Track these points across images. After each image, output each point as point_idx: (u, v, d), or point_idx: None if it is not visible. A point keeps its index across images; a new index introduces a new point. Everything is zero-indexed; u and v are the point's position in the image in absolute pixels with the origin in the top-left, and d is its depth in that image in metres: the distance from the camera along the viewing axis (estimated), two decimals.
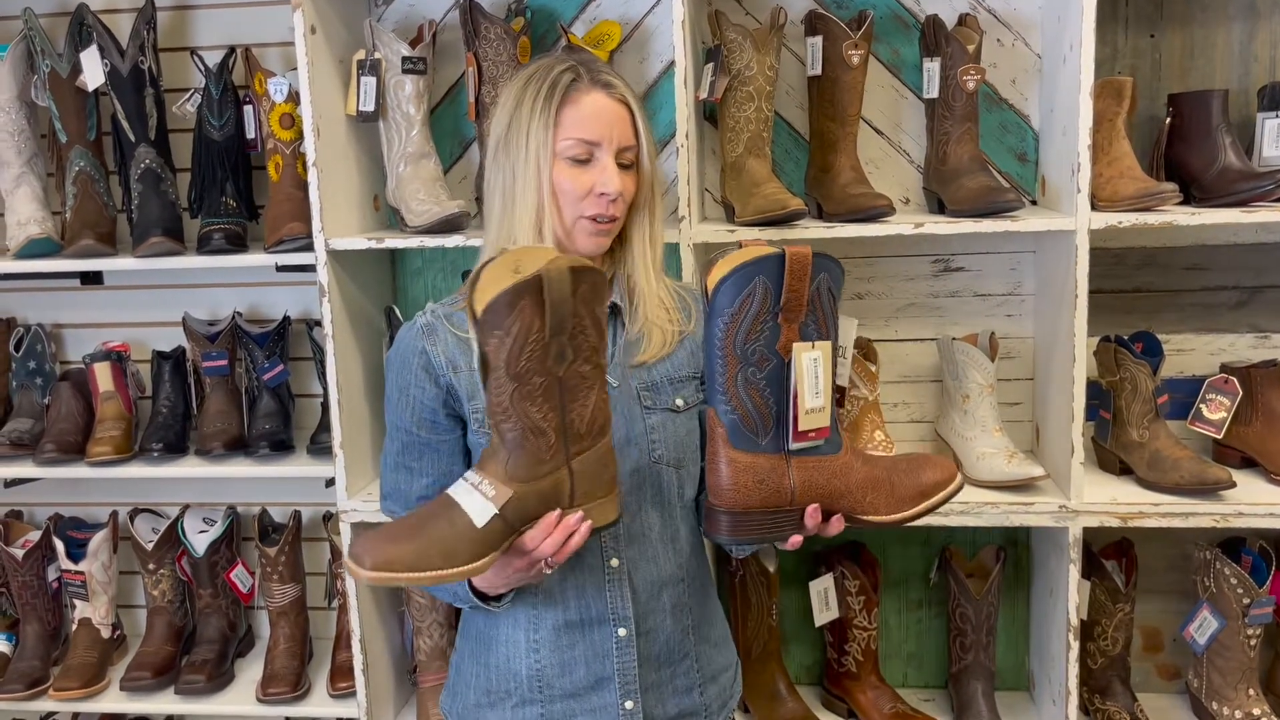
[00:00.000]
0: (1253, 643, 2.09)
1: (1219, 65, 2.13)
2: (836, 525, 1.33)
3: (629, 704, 1.46)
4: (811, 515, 1.30)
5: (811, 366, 1.27)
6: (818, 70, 2.07)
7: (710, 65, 2.04)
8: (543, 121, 1.40)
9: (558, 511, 1.28)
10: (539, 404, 1.24)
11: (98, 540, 2.44)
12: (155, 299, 2.50)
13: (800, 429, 1.28)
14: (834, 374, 1.31)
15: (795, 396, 1.27)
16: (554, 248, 1.39)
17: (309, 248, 2.10)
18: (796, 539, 1.32)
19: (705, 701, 1.53)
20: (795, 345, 1.27)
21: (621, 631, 1.46)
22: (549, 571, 1.33)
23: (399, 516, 1.50)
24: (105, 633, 2.46)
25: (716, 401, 1.29)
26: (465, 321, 1.47)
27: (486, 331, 1.20)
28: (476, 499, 1.25)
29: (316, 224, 2.07)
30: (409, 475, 1.50)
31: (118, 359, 2.40)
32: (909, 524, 1.36)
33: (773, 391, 1.28)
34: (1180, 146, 2.05)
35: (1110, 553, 2.21)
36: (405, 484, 1.50)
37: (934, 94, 2.07)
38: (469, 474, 1.28)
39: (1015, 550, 2.32)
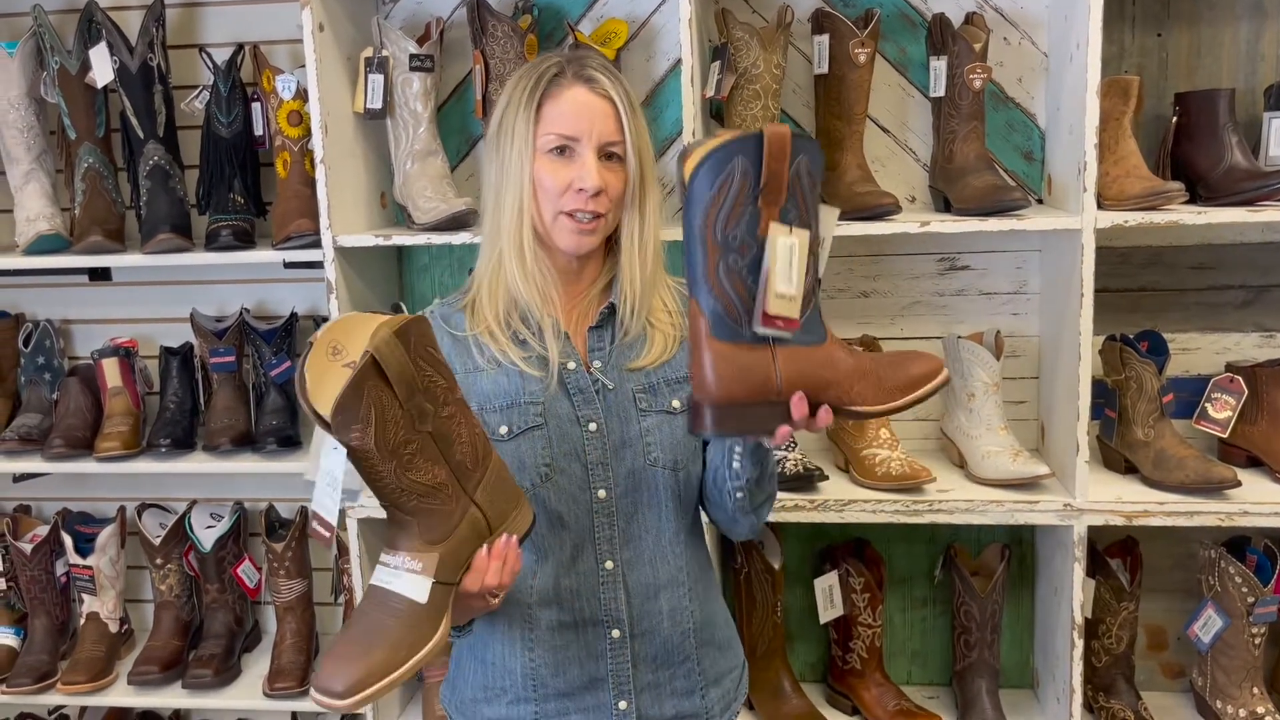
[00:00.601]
0: (1257, 641, 2.09)
1: (1226, 64, 2.13)
2: (824, 417, 1.26)
3: (622, 704, 1.46)
4: (798, 405, 1.23)
5: (786, 252, 1.21)
6: (824, 69, 2.08)
7: (717, 63, 2.05)
8: (525, 116, 1.40)
9: (484, 547, 1.27)
10: (422, 467, 1.21)
11: (106, 535, 2.45)
12: (163, 295, 2.51)
13: (769, 313, 1.21)
14: (814, 266, 1.25)
15: (766, 278, 1.21)
16: (373, 314, 1.27)
17: (317, 244, 2.11)
18: (784, 430, 1.26)
19: (707, 705, 1.52)
20: (772, 225, 1.21)
21: (615, 633, 1.45)
22: (495, 601, 1.31)
23: None
24: (113, 627, 2.47)
25: (698, 291, 1.22)
26: (464, 322, 1.48)
27: (345, 430, 1.16)
28: (407, 579, 1.22)
29: (324, 221, 2.08)
30: None
31: (126, 355, 2.41)
32: (896, 413, 1.30)
33: (755, 279, 1.22)
34: (1187, 145, 2.05)
35: (1115, 551, 2.21)
36: None
37: (940, 92, 2.07)
38: (385, 557, 1.24)
39: (1020, 548, 2.32)
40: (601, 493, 1.43)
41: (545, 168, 1.40)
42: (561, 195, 1.40)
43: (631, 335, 1.47)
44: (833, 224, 1.29)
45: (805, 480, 2.07)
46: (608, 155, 1.42)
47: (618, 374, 1.47)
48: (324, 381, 1.17)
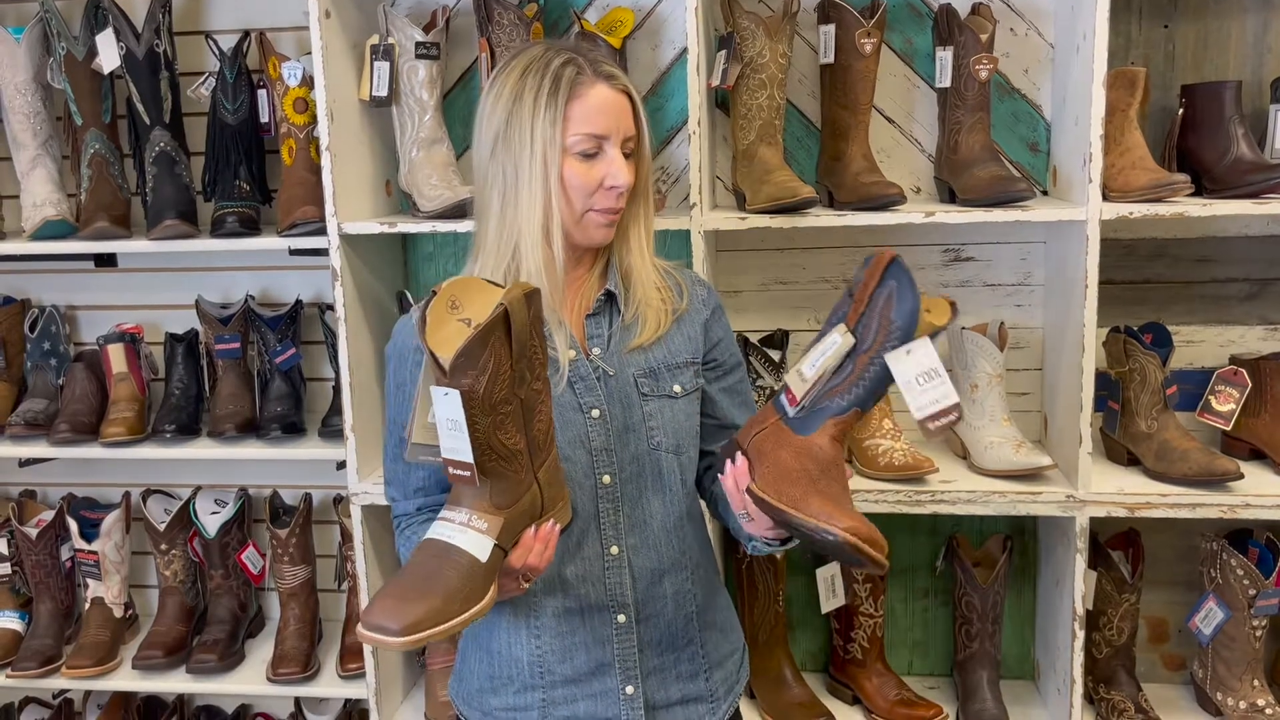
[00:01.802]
0: (1258, 634, 2.10)
1: (1233, 57, 2.13)
2: (736, 468, 1.33)
3: (629, 689, 1.47)
4: (738, 463, 1.32)
5: (828, 344, 1.30)
6: (830, 58, 2.07)
7: (723, 53, 2.05)
8: (549, 117, 1.38)
9: (533, 527, 1.29)
10: (509, 430, 1.25)
11: (110, 520, 2.46)
12: (168, 281, 2.51)
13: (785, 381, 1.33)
14: (856, 378, 1.29)
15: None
16: (492, 280, 1.35)
17: (322, 231, 2.11)
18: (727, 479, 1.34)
19: (711, 687, 1.54)
20: (834, 325, 1.30)
21: (621, 618, 1.46)
22: (527, 585, 1.33)
23: (400, 508, 1.51)
24: (117, 612, 2.49)
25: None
26: None
27: (460, 374, 1.20)
28: (472, 536, 1.24)
29: (330, 208, 2.08)
30: (406, 466, 1.47)
31: (131, 341, 2.42)
32: (777, 521, 1.29)
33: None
34: (1192, 137, 2.04)
35: (1117, 543, 2.21)
36: (403, 474, 1.49)
37: (946, 83, 2.07)
38: (449, 513, 1.27)
39: (1022, 539, 2.32)
40: (606, 478, 1.44)
41: (575, 168, 1.40)
42: (593, 194, 1.41)
43: (629, 317, 1.49)
44: (907, 370, 1.29)
45: None
46: (626, 149, 1.44)
47: (618, 359, 1.48)
48: (439, 330, 1.23)
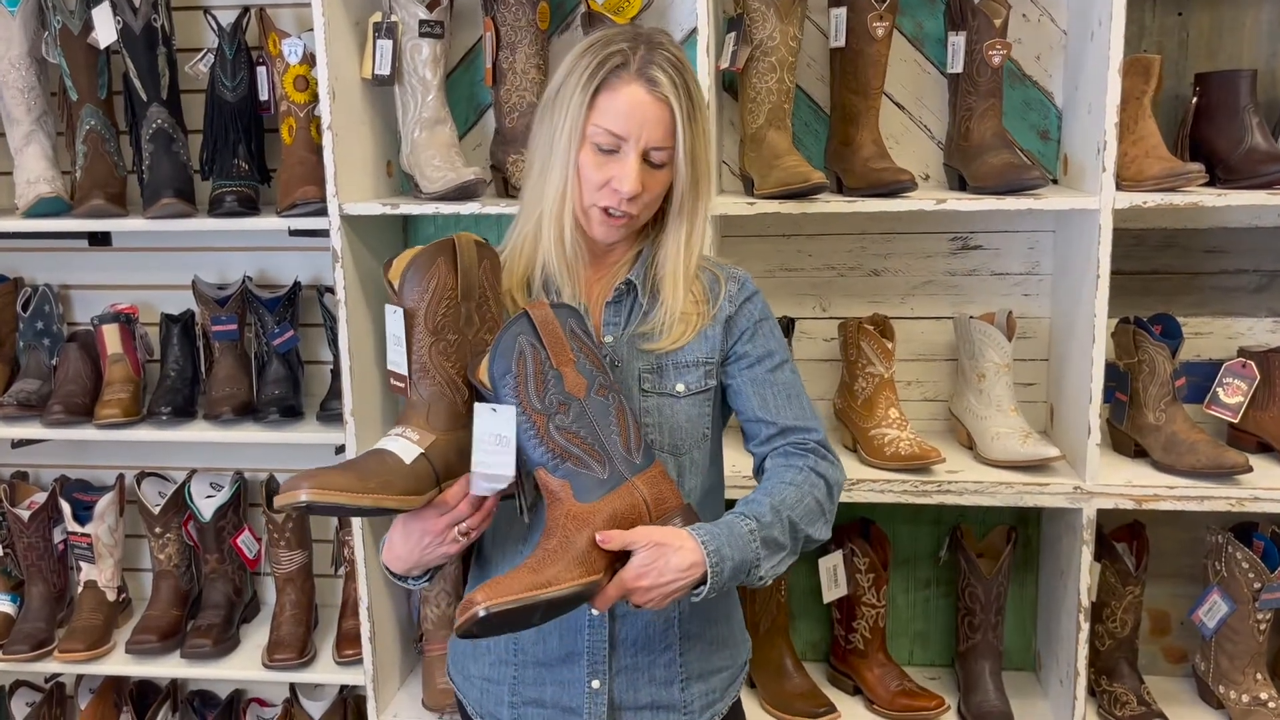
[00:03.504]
0: (1262, 627, 2.09)
1: (1246, 45, 2.11)
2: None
3: (595, 683, 1.45)
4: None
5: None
6: (841, 42, 2.04)
7: (732, 35, 2.02)
8: (580, 100, 1.37)
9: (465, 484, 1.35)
10: (453, 360, 1.36)
11: (104, 503, 2.43)
12: (164, 261, 2.48)
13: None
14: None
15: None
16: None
17: (323, 212, 2.08)
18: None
19: (686, 699, 1.49)
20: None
21: (595, 610, 1.43)
22: (462, 540, 1.35)
23: None
24: (111, 595, 2.45)
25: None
26: None
27: (407, 288, 1.33)
28: (401, 443, 1.33)
29: (331, 188, 2.04)
30: None
31: (126, 321, 2.38)
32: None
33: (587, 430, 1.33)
34: (1206, 126, 2.02)
35: (1121, 535, 2.20)
36: None
37: (958, 68, 2.04)
38: (393, 429, 1.36)
39: (1025, 530, 2.31)
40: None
41: (589, 159, 1.38)
42: (599, 189, 1.39)
43: (654, 321, 1.45)
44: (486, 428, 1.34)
45: None
46: (653, 159, 1.38)
47: (627, 350, 1.45)
48: (409, 256, 1.36)
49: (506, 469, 1.30)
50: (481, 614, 1.20)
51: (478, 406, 1.31)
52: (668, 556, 1.28)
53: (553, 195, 1.41)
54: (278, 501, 1.26)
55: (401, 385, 1.37)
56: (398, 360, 1.36)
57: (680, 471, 1.46)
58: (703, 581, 1.30)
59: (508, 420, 1.29)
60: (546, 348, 1.32)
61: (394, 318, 1.35)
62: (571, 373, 1.33)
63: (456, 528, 1.35)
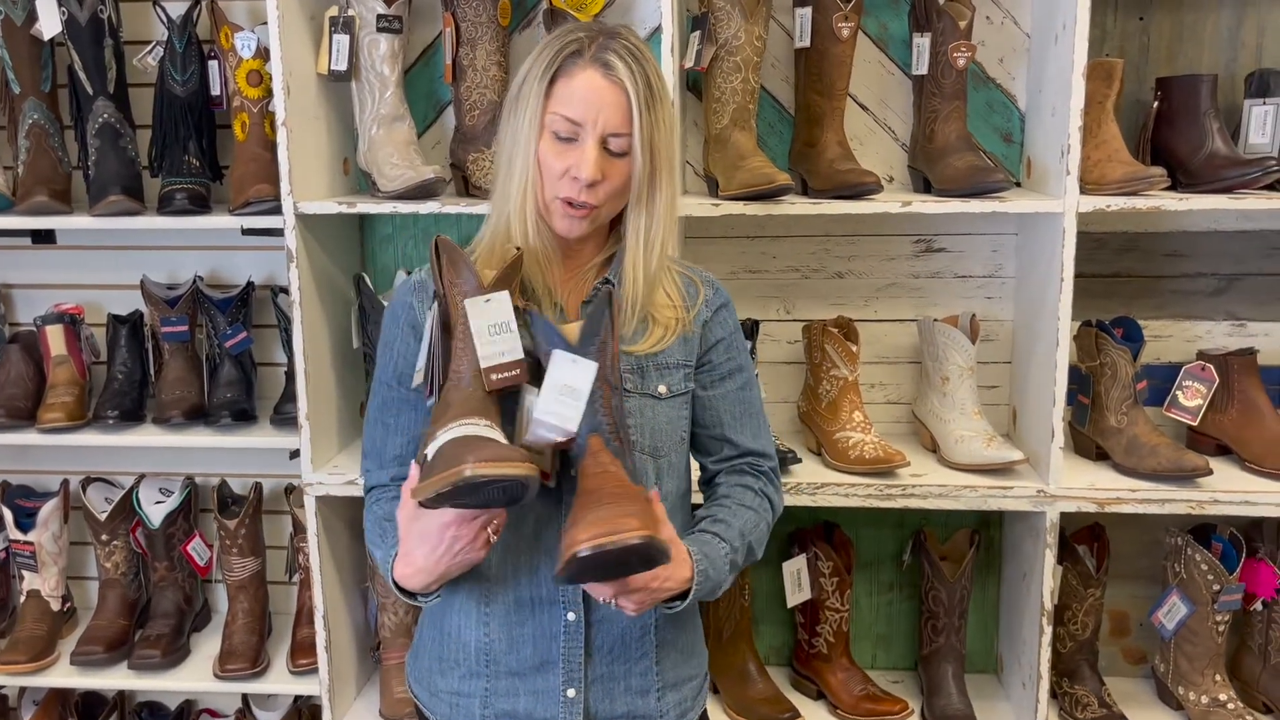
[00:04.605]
0: (1221, 629, 2.10)
1: (1206, 50, 2.12)
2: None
3: (570, 692, 1.42)
4: None
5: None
6: (806, 42, 2.03)
7: (697, 33, 1.99)
8: (537, 90, 1.35)
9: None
10: None
11: (48, 509, 2.35)
12: (109, 260, 2.40)
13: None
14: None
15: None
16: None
17: (277, 210, 2.02)
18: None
19: (662, 708, 1.47)
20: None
21: (570, 616, 1.41)
22: (494, 539, 1.31)
23: (373, 478, 1.49)
24: (55, 605, 2.38)
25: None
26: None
27: (501, 284, 1.31)
28: (485, 429, 1.26)
29: (285, 186, 1.99)
30: (385, 432, 1.47)
31: (71, 322, 2.31)
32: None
33: None
34: (1167, 131, 2.03)
35: (1081, 537, 2.21)
36: (381, 440, 1.47)
37: (923, 70, 2.03)
38: (452, 424, 1.26)
39: (987, 533, 2.31)
40: (574, 470, 1.38)
41: (549, 149, 1.36)
42: (559, 180, 1.36)
43: (631, 322, 1.43)
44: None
45: (780, 463, 2.03)
46: (612, 145, 1.36)
47: None
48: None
49: (570, 422, 1.26)
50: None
51: (557, 354, 1.26)
52: (671, 567, 1.30)
53: (516, 191, 1.39)
54: (419, 492, 1.20)
55: (516, 372, 1.30)
56: (505, 349, 1.30)
57: (659, 474, 1.44)
58: (682, 596, 1.34)
59: (586, 375, 1.26)
60: (615, 334, 1.34)
61: (491, 306, 1.30)
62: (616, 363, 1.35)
63: (489, 527, 1.30)
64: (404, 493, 1.30)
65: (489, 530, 1.30)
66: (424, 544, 1.31)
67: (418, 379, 1.36)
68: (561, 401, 1.26)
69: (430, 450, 1.25)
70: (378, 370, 1.48)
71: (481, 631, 1.43)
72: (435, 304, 1.34)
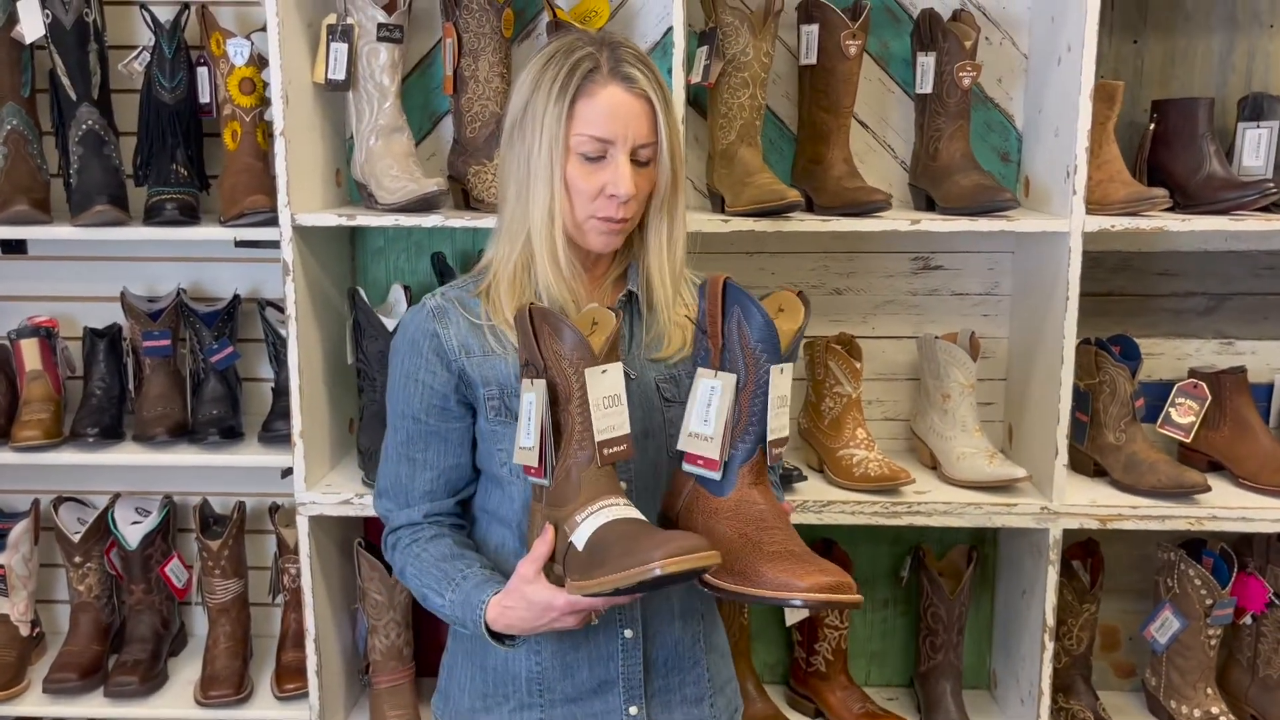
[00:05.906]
0: (1213, 643, 2.13)
1: (1198, 74, 2.16)
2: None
3: (633, 709, 1.41)
4: None
5: (706, 393, 1.28)
6: (812, 59, 2.02)
7: (704, 49, 1.98)
8: (556, 113, 1.33)
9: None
10: None
11: (18, 531, 2.25)
12: (85, 271, 2.31)
13: (682, 449, 1.31)
14: (747, 414, 1.28)
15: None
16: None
17: (272, 222, 1.96)
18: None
19: (715, 714, 1.48)
20: (699, 369, 1.30)
21: (628, 633, 1.40)
22: (595, 621, 1.31)
23: (400, 517, 1.44)
24: (24, 630, 2.28)
25: None
26: (480, 309, 1.42)
27: (613, 352, 1.28)
28: (630, 511, 1.25)
29: (283, 198, 1.93)
30: (411, 468, 1.43)
31: (46, 335, 2.22)
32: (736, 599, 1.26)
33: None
34: (1163, 152, 2.06)
35: (1075, 553, 2.23)
36: (407, 478, 1.43)
37: (927, 89, 2.04)
38: (593, 506, 1.24)
39: (983, 549, 2.32)
40: (622, 484, 1.35)
41: (578, 170, 1.33)
42: (594, 199, 1.34)
43: (653, 329, 1.42)
44: (787, 383, 1.30)
45: (783, 481, 2.03)
46: (639, 156, 1.35)
47: (639, 363, 1.42)
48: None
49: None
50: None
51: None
52: None
53: (540, 216, 1.35)
54: (591, 588, 1.17)
55: (623, 448, 1.26)
56: (615, 423, 1.26)
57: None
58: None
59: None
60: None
61: (605, 378, 1.26)
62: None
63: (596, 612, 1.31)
64: (528, 568, 1.27)
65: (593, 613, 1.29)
66: (529, 612, 1.28)
67: (523, 457, 1.29)
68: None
69: (577, 538, 1.21)
70: (398, 404, 1.42)
71: (533, 661, 1.40)
72: (542, 379, 1.27)
